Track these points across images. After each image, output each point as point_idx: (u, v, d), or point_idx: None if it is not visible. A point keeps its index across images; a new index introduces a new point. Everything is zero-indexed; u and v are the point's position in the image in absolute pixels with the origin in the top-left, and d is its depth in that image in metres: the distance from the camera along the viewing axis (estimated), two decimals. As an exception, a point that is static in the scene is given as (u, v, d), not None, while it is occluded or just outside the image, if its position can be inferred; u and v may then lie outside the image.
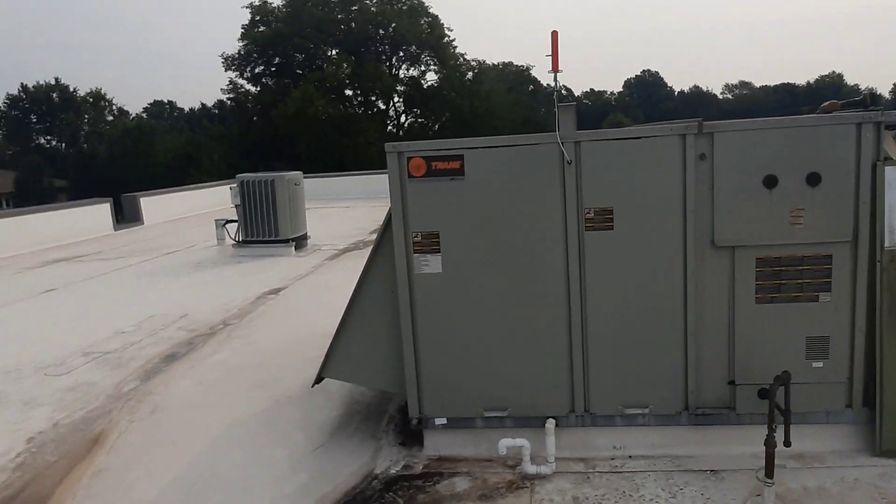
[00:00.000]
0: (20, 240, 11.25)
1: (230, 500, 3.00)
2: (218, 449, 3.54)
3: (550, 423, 2.96)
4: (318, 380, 3.40)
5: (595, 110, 77.00)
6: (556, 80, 2.82)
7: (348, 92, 44.31)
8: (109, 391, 4.45)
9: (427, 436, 3.29)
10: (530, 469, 2.93)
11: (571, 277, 2.97)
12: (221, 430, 3.73)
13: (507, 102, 46.06)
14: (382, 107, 46.59)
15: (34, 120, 50.83)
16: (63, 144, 50.81)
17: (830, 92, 76.39)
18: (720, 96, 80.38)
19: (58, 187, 41.79)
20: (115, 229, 13.48)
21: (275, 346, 5.20)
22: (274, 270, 8.44)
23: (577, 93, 77.22)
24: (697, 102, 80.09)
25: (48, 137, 51.58)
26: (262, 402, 4.07)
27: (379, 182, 19.40)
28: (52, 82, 50.68)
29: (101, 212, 13.20)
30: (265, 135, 44.29)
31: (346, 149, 40.43)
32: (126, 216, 14.21)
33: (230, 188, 9.66)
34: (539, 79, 50.93)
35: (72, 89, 51.20)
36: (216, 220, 10.77)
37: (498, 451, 2.98)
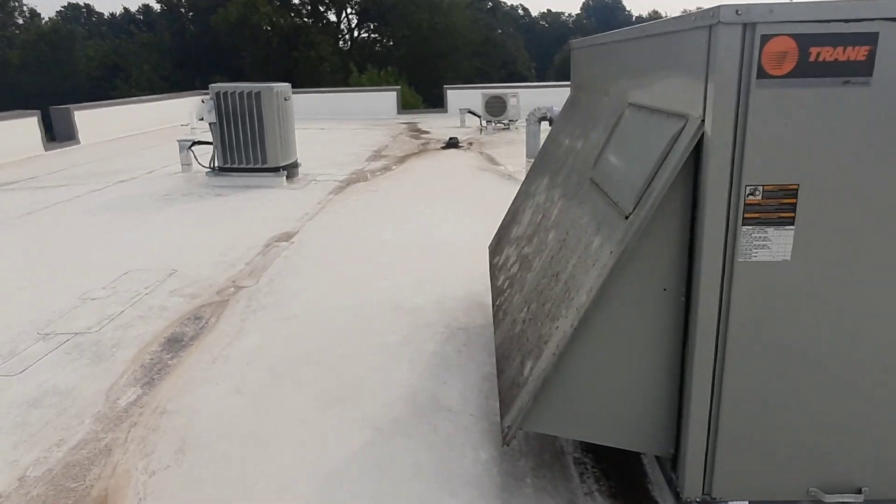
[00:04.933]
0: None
1: None
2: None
3: None
4: (511, 433, 1.98)
5: (552, 33, 74.65)
6: None
7: (295, 0, 40.36)
8: (98, 407, 2.91)
9: (696, 521, 1.98)
10: None
11: None
12: (314, 499, 2.30)
13: (466, 19, 43.36)
14: (333, 19, 42.92)
15: (-72, 18, 44.08)
16: (-35, 48, 44.47)
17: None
18: (677, 24, 78.96)
19: (-38, 97, 36.78)
20: (46, 149, 11.16)
21: (326, 325, 3.71)
22: (269, 207, 6.76)
23: (533, 13, 74.14)
24: (654, 29, 78.36)
25: (-53, 39, 44.99)
26: (357, 433, 2.64)
27: (352, 101, 17.41)
28: (-53, -27, 43.72)
29: (28, 127, 10.81)
30: (203, 45, 40.33)
31: (295, 63, 37.21)
32: (58, 133, 11.82)
33: (202, 101, 7.73)
34: (500, -6, 48.23)
35: (-28, -17, 44.39)
36: (180, 142, 8.82)
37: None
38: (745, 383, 1.75)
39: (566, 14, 78.23)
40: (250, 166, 7.74)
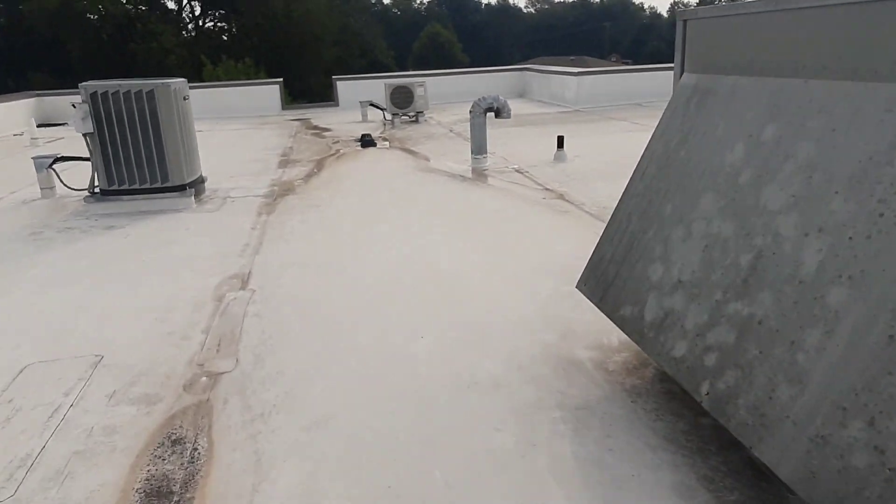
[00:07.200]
0: None
1: None
2: None
3: None
4: None
5: (406, 20, 74.17)
6: None
7: (126, -15, 35.92)
8: None
9: None
10: None
11: None
12: None
13: (324, 6, 41.44)
14: (173, 6, 38.88)
15: None
16: None
17: (619, 9, 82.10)
18: (524, 10, 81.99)
19: None
20: None
21: (386, 431, 2.54)
22: (190, 240, 5.22)
23: (385, 0, 72.96)
24: (504, 15, 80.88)
25: None
26: None
27: (229, 97, 15.33)
28: None
29: None
30: (15, 37, 34.78)
31: (134, 56, 33.17)
32: None
33: (72, 105, 5.85)
34: (356, -20, 46.86)
35: None
36: (36, 160, 6.80)
37: None
38: None
39: (418, 1, 78.08)
40: (147, 186, 6.04)
